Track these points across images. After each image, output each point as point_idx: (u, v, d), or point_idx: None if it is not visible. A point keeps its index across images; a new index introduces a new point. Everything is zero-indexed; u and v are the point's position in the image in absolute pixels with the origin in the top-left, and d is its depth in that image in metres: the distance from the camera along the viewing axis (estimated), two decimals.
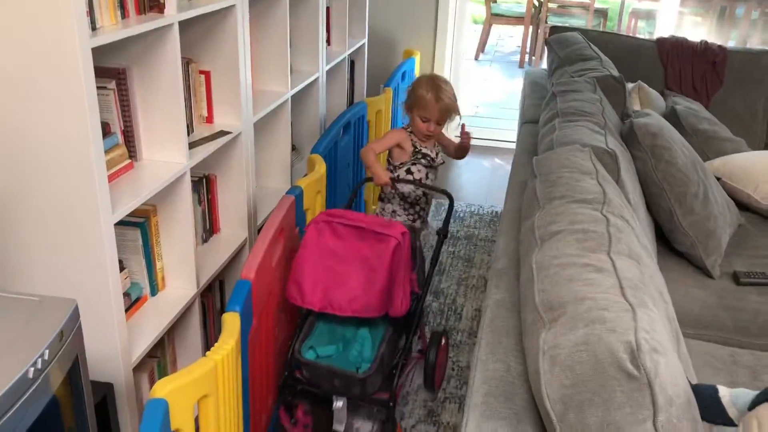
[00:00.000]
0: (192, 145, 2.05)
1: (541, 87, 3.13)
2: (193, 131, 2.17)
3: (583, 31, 3.26)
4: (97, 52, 1.72)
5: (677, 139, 2.19)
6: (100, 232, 1.58)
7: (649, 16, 7.38)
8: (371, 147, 2.39)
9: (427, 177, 2.45)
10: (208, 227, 2.36)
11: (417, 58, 4.32)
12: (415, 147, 2.41)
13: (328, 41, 3.39)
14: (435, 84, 2.34)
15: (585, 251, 1.26)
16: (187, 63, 2.10)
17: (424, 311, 2.20)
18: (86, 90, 1.46)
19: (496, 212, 3.72)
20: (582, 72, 2.71)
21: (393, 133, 2.47)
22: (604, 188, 1.52)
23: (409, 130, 2.44)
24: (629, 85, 2.93)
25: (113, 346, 1.69)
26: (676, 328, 1.30)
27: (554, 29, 3.33)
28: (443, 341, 2.25)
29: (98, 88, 1.71)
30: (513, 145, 4.75)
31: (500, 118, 5.56)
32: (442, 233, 2.27)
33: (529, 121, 2.66)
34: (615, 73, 2.69)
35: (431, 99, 2.31)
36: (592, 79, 2.49)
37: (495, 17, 7.35)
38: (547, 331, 1.08)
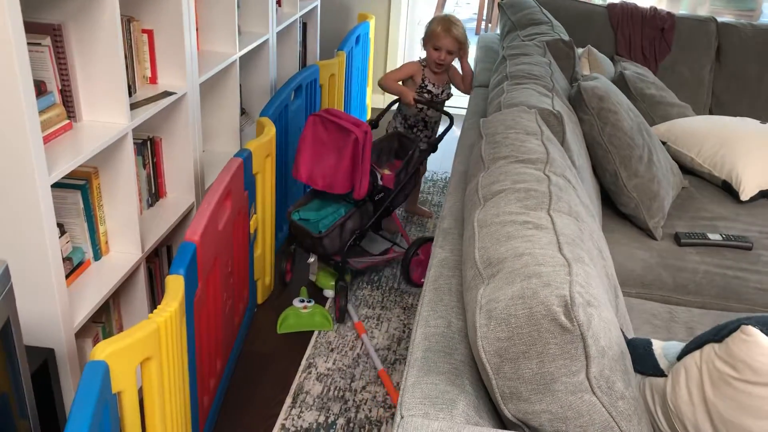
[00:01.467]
0: (134, 106, 2.00)
1: (494, 52, 3.13)
2: (135, 92, 2.11)
3: None
4: (29, 6, 1.65)
5: (624, 103, 2.22)
6: (36, 193, 1.53)
7: None
8: (390, 76, 2.92)
9: (427, 109, 2.92)
10: (154, 191, 2.31)
11: (372, 23, 4.27)
12: (423, 82, 2.90)
13: (279, 2, 3.33)
14: (446, 19, 2.83)
15: (526, 209, 1.27)
16: (128, 21, 2.03)
17: (393, 205, 2.67)
18: (15, 43, 1.40)
19: (447, 177, 3.73)
20: (533, 36, 2.71)
21: (409, 65, 2.95)
22: (548, 148, 1.53)
23: (423, 64, 2.93)
24: (579, 50, 2.95)
25: (53, 311, 1.66)
26: (614, 285, 1.33)
27: None
28: (426, 246, 2.69)
29: (31, 44, 1.66)
30: (464, 112, 4.76)
31: None
32: (432, 144, 2.79)
33: (480, 85, 2.66)
34: (565, 37, 2.70)
35: (441, 30, 2.80)
36: (542, 43, 2.49)
37: None
38: (485, 286, 1.09)
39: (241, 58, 2.71)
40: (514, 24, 2.93)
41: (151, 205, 2.30)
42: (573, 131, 1.92)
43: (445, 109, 2.93)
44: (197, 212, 1.80)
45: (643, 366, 1.12)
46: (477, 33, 7.36)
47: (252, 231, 2.37)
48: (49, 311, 1.66)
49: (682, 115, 2.76)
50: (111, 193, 1.97)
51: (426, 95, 2.90)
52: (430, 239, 2.66)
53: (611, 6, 3.22)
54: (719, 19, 3.19)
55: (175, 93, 2.15)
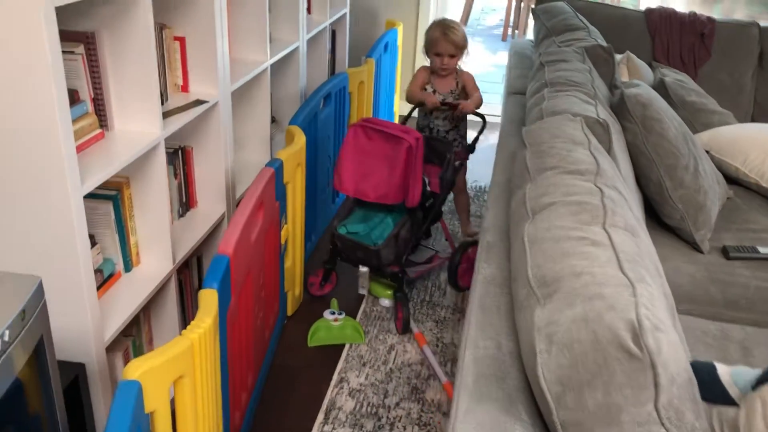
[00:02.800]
0: (166, 115, 1.96)
1: (527, 58, 3.06)
2: (167, 100, 2.08)
3: (570, 1, 3.18)
4: (64, 14, 1.62)
5: (667, 111, 2.14)
6: (68, 204, 1.49)
7: None
8: (411, 88, 2.88)
9: (435, 118, 2.87)
10: (185, 201, 2.27)
11: (399, 29, 4.22)
12: (424, 87, 2.87)
13: (309, 9, 3.29)
14: (443, 24, 2.78)
15: (580, 224, 1.20)
16: (160, 28, 2.00)
17: (440, 211, 2.64)
18: (50, 53, 1.37)
19: (480, 186, 3.67)
20: (570, 42, 2.64)
21: (420, 72, 2.92)
22: (597, 159, 1.46)
23: (432, 69, 2.89)
24: (617, 56, 2.87)
25: (84, 325, 1.62)
26: (672, 304, 1.26)
27: (542, 0, 3.25)
28: (471, 250, 2.64)
29: (65, 52, 1.62)
30: (496, 119, 4.68)
31: (483, 92, 5.47)
32: (469, 148, 2.79)
33: (515, 92, 2.59)
34: (603, 43, 2.63)
35: (440, 36, 2.75)
36: (580, 49, 2.42)
37: None
38: (542, 307, 1.02)
39: (271, 65, 2.67)
40: (550, 30, 2.87)
41: (181, 216, 2.26)
42: (617, 140, 1.85)
43: (478, 111, 2.81)
44: (230, 223, 1.75)
45: (711, 394, 1.05)
46: (504, 39, 7.29)
47: (283, 242, 2.32)
48: (80, 325, 1.62)
49: (724, 123, 2.67)
50: (142, 203, 1.93)
51: None
52: (475, 243, 2.62)
53: (649, 11, 3.14)
54: (762, 24, 3.09)
55: (206, 102, 2.11)
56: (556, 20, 2.91)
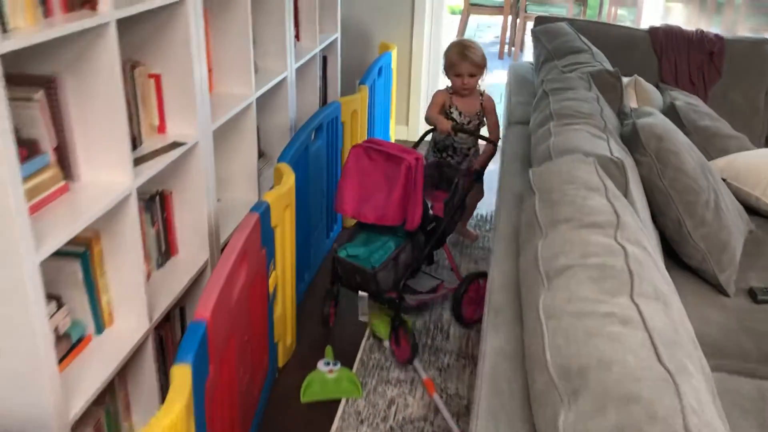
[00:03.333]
0: (139, 161, 1.80)
1: (528, 82, 2.91)
2: (141, 144, 1.92)
3: (571, 21, 3.04)
4: (18, 58, 1.47)
5: (683, 141, 1.98)
6: (21, 274, 1.33)
7: (630, 3, 7.20)
8: (430, 111, 2.87)
9: (455, 134, 2.82)
10: (165, 249, 2.11)
11: (394, 52, 4.08)
12: (449, 110, 2.87)
13: (297, 36, 3.14)
14: (461, 45, 2.79)
15: (604, 294, 1.03)
16: (132, 67, 1.84)
17: (442, 235, 2.52)
18: None
19: (481, 215, 3.50)
20: (573, 66, 2.49)
21: (438, 95, 2.90)
22: (616, 208, 1.30)
23: (450, 92, 2.89)
24: (624, 80, 2.71)
25: (44, 405, 1.44)
26: (711, 384, 1.09)
27: (540, 19, 3.10)
28: (480, 282, 2.56)
29: (19, 99, 1.47)
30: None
31: None
32: (476, 173, 2.72)
33: (517, 122, 2.43)
34: (609, 66, 2.47)
35: (458, 57, 2.76)
36: (586, 75, 2.26)
37: (473, 7, 7.12)
38: (567, 409, 0.85)
39: (257, 98, 2.51)
40: (551, 53, 2.71)
41: (161, 266, 2.10)
42: (632, 176, 1.69)
43: (484, 134, 2.85)
44: (208, 283, 1.58)
45: None
46: (501, 57, 7.17)
47: (271, 290, 2.15)
48: (39, 405, 1.44)
49: (740, 148, 2.51)
50: (115, 258, 1.77)
51: (454, 123, 2.82)
52: (482, 275, 2.54)
53: (654, 30, 2.99)
54: None
55: (184, 144, 1.95)
56: (557, 42, 2.76)
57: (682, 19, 6.08)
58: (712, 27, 6.20)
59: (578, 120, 1.88)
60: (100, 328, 1.77)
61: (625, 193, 1.56)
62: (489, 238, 3.26)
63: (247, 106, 2.42)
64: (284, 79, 2.79)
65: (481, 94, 2.89)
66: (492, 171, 3.91)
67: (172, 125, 2.02)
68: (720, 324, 1.77)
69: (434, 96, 2.90)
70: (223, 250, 2.25)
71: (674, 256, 1.98)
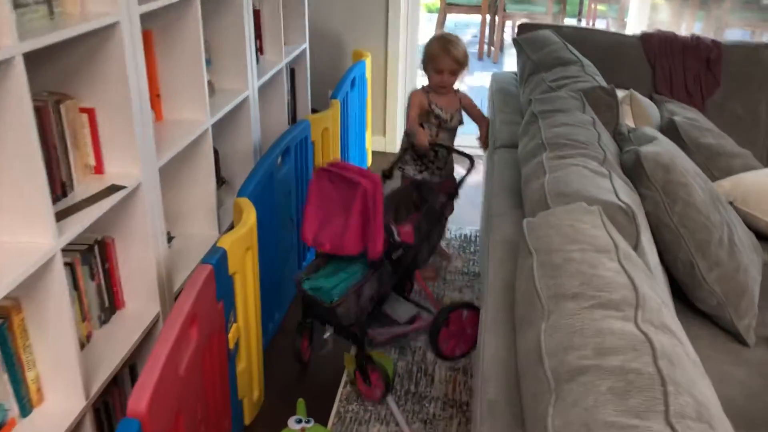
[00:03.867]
0: (68, 212, 1.54)
1: (513, 97, 2.68)
2: (73, 189, 1.66)
3: (556, 28, 2.81)
4: None
5: (691, 169, 1.76)
6: None
7: None
8: (411, 118, 2.66)
9: (437, 135, 2.68)
10: (108, 304, 1.85)
11: (368, 61, 3.83)
12: (430, 107, 2.66)
13: (260, 50, 2.89)
14: (444, 39, 2.62)
15: (631, 416, 0.80)
16: (57, 101, 1.58)
17: (416, 263, 2.34)
18: None
19: (466, 236, 3.27)
20: (562, 81, 2.26)
21: (414, 96, 2.70)
22: (633, 278, 1.07)
23: (426, 90, 2.69)
24: (619, 94, 2.49)
25: None
26: None
27: (523, 27, 2.87)
28: (464, 314, 2.36)
29: None
30: (474, 150, 4.30)
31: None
32: (453, 192, 2.51)
33: (503, 145, 2.20)
34: (602, 82, 2.25)
35: (440, 51, 2.58)
36: (578, 93, 2.03)
37: (450, 6, 6.89)
38: None
39: (217, 121, 2.26)
40: (537, 65, 2.48)
41: (105, 322, 1.84)
42: (644, 224, 1.46)
43: (463, 150, 2.68)
44: (144, 369, 1.33)
45: None
46: (480, 58, 6.94)
47: (232, 345, 1.90)
48: None
49: (746, 167, 2.30)
50: (40, 328, 1.51)
51: (433, 120, 2.67)
52: (462, 305, 2.37)
53: (646, 36, 2.77)
54: None
55: (124, 187, 1.70)
56: (543, 53, 2.53)
57: (666, 14, 5.88)
58: (696, 22, 6.02)
59: (574, 151, 1.65)
60: (25, 410, 1.52)
61: (636, 245, 1.33)
62: (474, 262, 3.03)
63: (202, 133, 2.17)
64: (245, 99, 2.54)
65: (456, 92, 2.73)
66: (470, 185, 3.68)
67: (110, 164, 1.76)
68: (743, 384, 1.54)
69: (411, 98, 2.70)
70: (177, 298, 2.01)
71: (684, 297, 1.77)
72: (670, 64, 2.71)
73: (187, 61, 2.12)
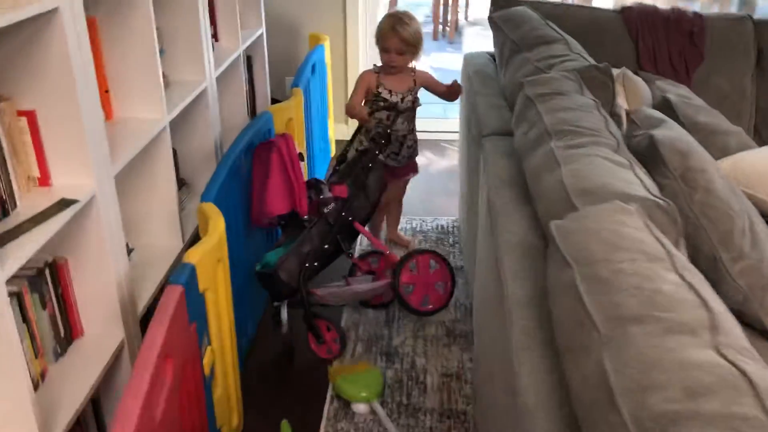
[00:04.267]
0: (10, 236, 1.31)
1: (492, 79, 2.51)
2: (15, 207, 1.42)
3: (533, 5, 2.65)
4: None
5: (704, 154, 1.62)
6: None
7: None
8: (352, 101, 2.58)
9: (388, 119, 2.51)
10: (64, 334, 1.62)
11: (326, 44, 3.61)
12: (377, 89, 2.57)
13: (215, 36, 2.65)
14: (394, 16, 2.52)
15: None
16: None
17: (354, 215, 2.29)
18: None
19: (442, 226, 3.11)
20: (548, 60, 2.10)
21: (362, 78, 2.60)
22: (700, 293, 0.92)
23: (376, 71, 2.60)
24: None
25: None
26: None
27: (496, 3, 2.70)
28: (431, 264, 2.38)
29: None
30: (443, 135, 4.14)
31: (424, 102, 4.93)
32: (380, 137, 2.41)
33: (493, 132, 2.02)
34: (591, 60, 2.10)
35: (387, 29, 2.49)
36: (573, 74, 1.88)
37: None
38: None
39: (171, 121, 2.03)
40: (517, 44, 2.32)
41: (60, 355, 1.61)
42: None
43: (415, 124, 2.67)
44: (116, 422, 1.12)
45: None
46: (435, 38, 6.76)
47: (207, 371, 1.70)
48: None
49: (741, 145, 2.18)
50: None
51: (381, 104, 2.57)
52: (427, 251, 2.40)
53: (626, 11, 2.63)
54: (755, 17, 2.64)
55: (76, 201, 1.47)
56: (522, 31, 2.37)
57: None
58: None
59: (584, 139, 1.49)
60: None
61: (677, 244, 1.18)
62: (454, 255, 2.87)
63: (160, 132, 1.94)
64: (204, 91, 2.30)
65: (413, 71, 2.62)
66: (442, 172, 3.53)
67: (58, 175, 1.53)
68: None
69: (358, 79, 2.62)
70: (141, 320, 1.79)
71: None
72: (653, 39, 2.58)
73: (138, 51, 1.88)
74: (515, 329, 1.15)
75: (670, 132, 1.56)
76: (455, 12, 6.80)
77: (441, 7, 6.72)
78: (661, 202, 1.19)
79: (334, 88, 3.93)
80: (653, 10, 2.63)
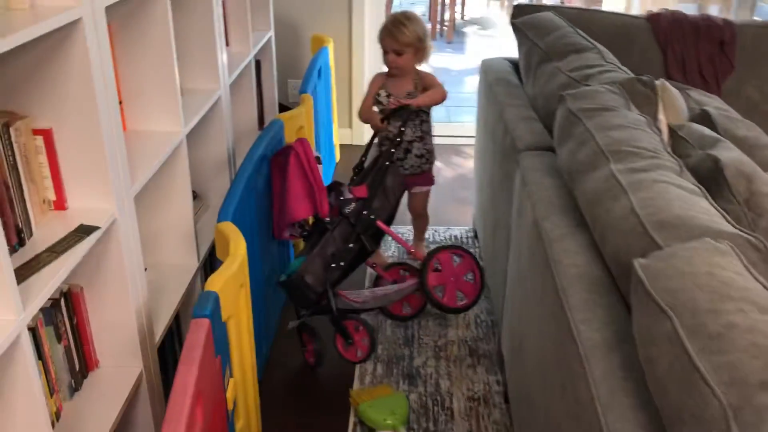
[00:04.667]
0: (29, 269, 1.19)
1: (516, 88, 2.40)
2: (32, 235, 1.30)
3: (557, 10, 2.55)
4: None
5: (765, 176, 1.53)
6: None
7: None
8: (364, 105, 2.55)
9: (385, 122, 2.47)
10: (79, 367, 1.50)
11: (330, 47, 3.50)
12: (376, 95, 2.53)
13: (227, 41, 2.52)
14: (392, 18, 2.47)
15: None
16: (6, 124, 1.22)
17: (375, 214, 2.24)
18: None
19: (455, 237, 3.01)
20: (584, 71, 2.00)
21: (373, 80, 2.57)
22: None
23: (385, 73, 2.56)
24: None
25: None
26: None
27: (519, 8, 2.59)
28: (454, 260, 2.34)
29: None
30: (447, 140, 4.01)
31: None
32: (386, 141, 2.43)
33: (531, 147, 1.91)
34: (627, 70, 2.01)
35: (385, 31, 2.45)
36: (616, 87, 1.78)
37: None
38: None
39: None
40: (546, 52, 2.22)
41: (76, 390, 1.49)
42: None
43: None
44: None
45: None
46: (433, 39, 6.65)
47: (231, 405, 1.58)
48: None
49: None
50: (2, 414, 1.16)
51: (380, 106, 2.54)
52: (447, 248, 2.35)
53: (654, 17, 2.54)
54: None
55: (97, 228, 1.34)
56: (551, 38, 2.27)
57: None
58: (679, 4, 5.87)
59: (645, 162, 1.39)
60: None
61: None
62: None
63: (177, 146, 1.81)
64: (218, 99, 2.18)
65: (416, 73, 2.54)
66: (451, 180, 3.44)
67: (75, 197, 1.41)
68: None
69: (370, 82, 2.60)
70: (161, 353, 1.67)
71: None
72: (682, 48, 2.49)
73: (154, 60, 1.76)
74: (597, 381, 1.05)
75: (732, 154, 1.47)
76: (452, 11, 6.69)
77: (438, 7, 6.60)
78: (752, 239, 1.09)
79: (337, 92, 3.81)
80: (682, 17, 2.54)
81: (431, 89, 2.49)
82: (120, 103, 1.76)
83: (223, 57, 2.20)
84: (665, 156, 1.43)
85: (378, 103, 2.53)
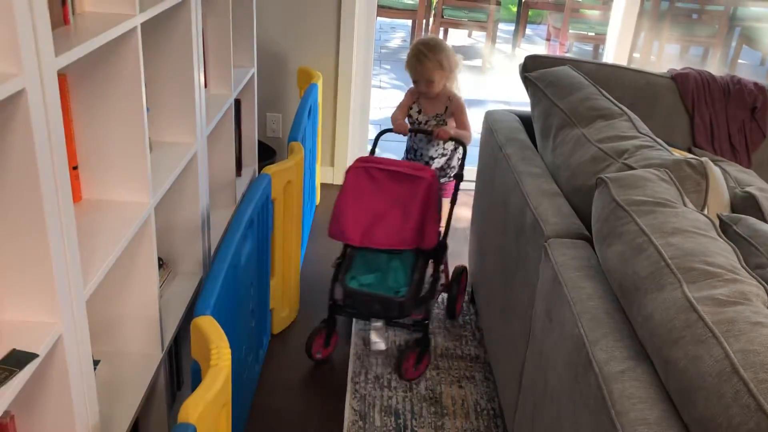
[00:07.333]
0: None
1: (530, 150, 2.13)
2: None
3: (575, 64, 2.31)
4: None
5: None
6: None
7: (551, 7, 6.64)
8: (395, 113, 2.60)
9: (414, 137, 2.59)
10: None
11: (319, 83, 3.21)
12: (411, 107, 2.60)
13: (205, 82, 2.21)
14: (416, 49, 2.49)
15: None
16: None
17: (446, 246, 2.38)
18: None
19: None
20: (616, 144, 1.75)
21: (407, 93, 2.63)
22: None
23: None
24: None
25: None
26: None
27: (532, 59, 2.35)
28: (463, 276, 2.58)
29: None
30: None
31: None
32: (458, 176, 2.40)
33: (557, 235, 1.64)
34: (662, 143, 1.76)
35: (413, 61, 2.49)
36: (664, 173, 1.53)
37: (381, 9, 6.31)
38: None
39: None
40: (569, 116, 1.97)
41: None
42: None
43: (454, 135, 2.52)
44: None
45: None
46: None
47: None
48: None
49: None
50: None
51: (410, 119, 2.62)
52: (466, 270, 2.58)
53: (681, 78, 2.31)
54: None
55: (35, 355, 1.03)
56: (574, 100, 2.02)
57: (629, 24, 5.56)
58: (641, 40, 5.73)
59: (725, 286, 1.14)
60: None
61: None
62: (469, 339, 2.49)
63: (142, 223, 1.50)
64: (194, 156, 1.87)
65: (450, 97, 2.55)
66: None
67: (7, 308, 1.09)
68: None
69: (406, 93, 2.65)
70: None
71: None
72: (710, 113, 2.27)
73: (119, 115, 1.45)
74: None
75: None
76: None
77: (422, 33, 6.37)
78: None
79: (323, 129, 3.53)
80: (710, 78, 2.32)
81: (458, 121, 2.54)
82: (75, 168, 1.45)
83: (201, 105, 1.89)
84: (746, 278, 1.18)
85: (409, 115, 2.60)
